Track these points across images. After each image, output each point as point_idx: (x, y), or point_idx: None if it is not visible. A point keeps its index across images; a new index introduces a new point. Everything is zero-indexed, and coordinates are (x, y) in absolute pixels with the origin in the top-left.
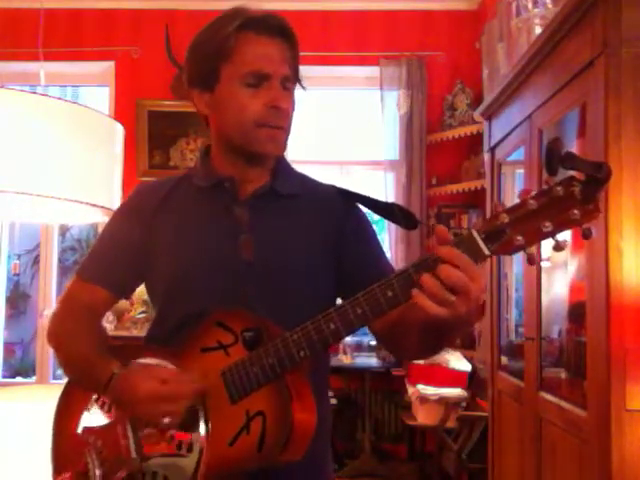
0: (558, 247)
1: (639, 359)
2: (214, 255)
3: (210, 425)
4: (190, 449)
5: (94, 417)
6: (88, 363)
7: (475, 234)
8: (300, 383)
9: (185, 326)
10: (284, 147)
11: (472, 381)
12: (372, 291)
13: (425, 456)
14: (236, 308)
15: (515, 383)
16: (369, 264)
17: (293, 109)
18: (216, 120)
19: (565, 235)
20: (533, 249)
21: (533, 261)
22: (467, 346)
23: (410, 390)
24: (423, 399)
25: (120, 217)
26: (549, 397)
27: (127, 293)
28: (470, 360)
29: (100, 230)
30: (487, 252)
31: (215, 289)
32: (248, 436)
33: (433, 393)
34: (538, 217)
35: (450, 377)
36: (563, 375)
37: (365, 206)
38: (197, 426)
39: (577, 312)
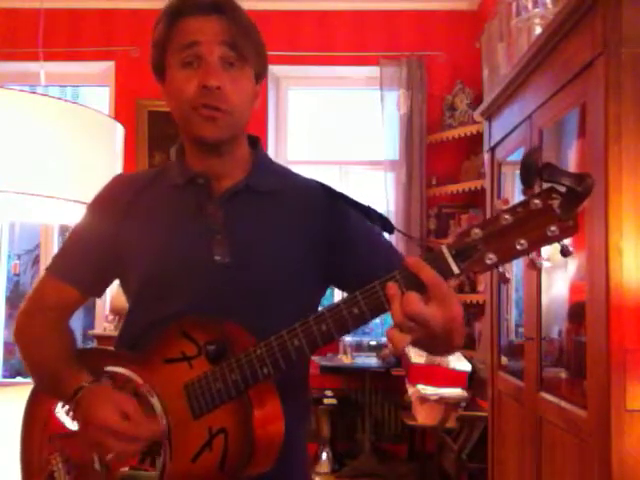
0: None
1: (639, 359)
2: (187, 255)
3: (172, 440)
4: (153, 463)
5: (61, 424)
6: (56, 369)
7: (445, 251)
8: (264, 391)
9: (153, 330)
10: (226, 130)
11: (472, 381)
12: (337, 307)
13: (425, 456)
14: (201, 317)
15: (515, 383)
16: (372, 253)
17: (240, 89)
18: (170, 109)
19: (543, 249)
20: (507, 266)
21: (506, 280)
22: (467, 346)
23: (410, 390)
24: (423, 399)
25: (92, 213)
26: (549, 397)
27: (97, 292)
28: (470, 360)
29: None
30: (457, 270)
31: (188, 291)
32: (210, 453)
33: (433, 393)
34: (512, 233)
35: (450, 377)
36: (563, 375)
37: (348, 205)
38: (160, 441)
39: (577, 312)
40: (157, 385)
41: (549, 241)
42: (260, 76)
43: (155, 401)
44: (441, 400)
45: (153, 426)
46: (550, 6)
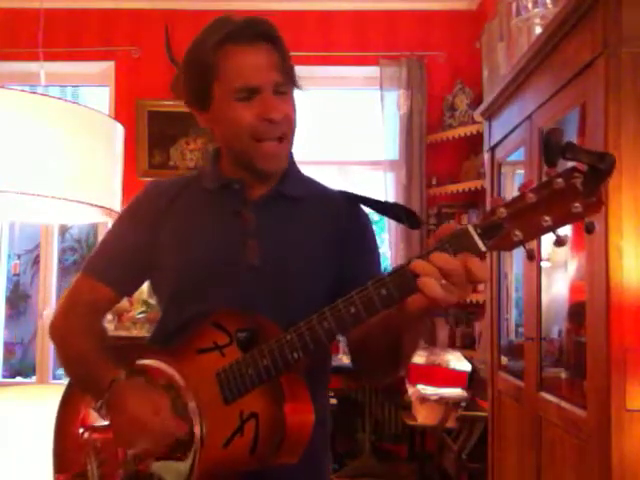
0: (559, 242)
1: (639, 359)
2: (221, 258)
3: (205, 427)
4: (185, 451)
5: (94, 418)
6: (89, 364)
7: (471, 229)
8: (296, 384)
9: (186, 327)
10: (286, 159)
11: (472, 381)
12: (366, 290)
13: (425, 456)
14: (232, 308)
15: (515, 383)
16: (362, 270)
17: (293, 112)
18: (219, 135)
19: (566, 230)
20: (532, 244)
21: (533, 256)
22: (467, 346)
23: (410, 390)
24: (423, 399)
25: (127, 217)
26: (549, 397)
27: (130, 292)
28: (470, 360)
29: (101, 229)
30: (483, 248)
31: (221, 292)
32: (242, 438)
33: (433, 393)
34: (537, 211)
35: (450, 377)
36: (563, 375)
37: (370, 208)
38: (192, 428)
39: (577, 312)
40: (189, 375)
41: (574, 217)
42: (296, 87)
43: (187, 392)
44: (441, 400)
45: (181, 425)
46: (550, 6)
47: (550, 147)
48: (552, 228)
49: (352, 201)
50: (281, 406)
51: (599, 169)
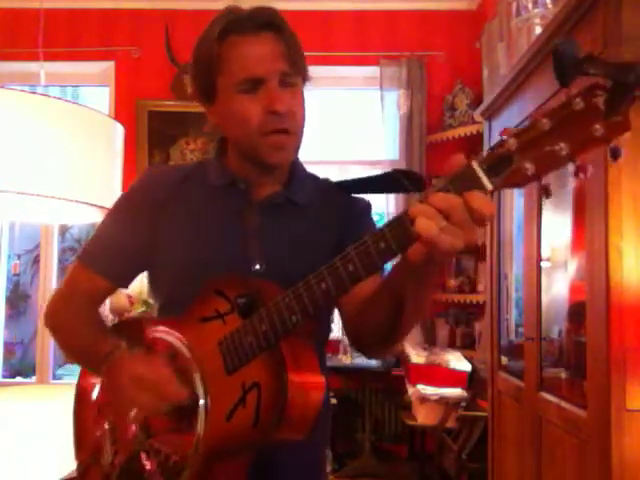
0: (578, 172)
1: (639, 359)
2: (222, 257)
3: (209, 399)
4: (191, 425)
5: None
6: (89, 341)
7: (475, 166)
8: (303, 353)
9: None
10: (294, 153)
11: (472, 381)
12: (364, 244)
13: (425, 456)
14: (233, 274)
15: (515, 383)
16: None
17: (300, 106)
18: (226, 130)
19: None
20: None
21: (549, 193)
22: (467, 346)
23: (410, 390)
24: (423, 399)
25: (124, 208)
26: (549, 397)
27: (126, 283)
28: (470, 360)
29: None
30: (489, 186)
31: None
32: (244, 410)
33: (433, 393)
34: (553, 138)
35: (450, 377)
36: (563, 375)
37: (371, 191)
38: (197, 401)
39: (577, 312)
40: (193, 345)
41: (595, 142)
42: (305, 80)
43: (191, 364)
44: (441, 400)
45: (182, 389)
46: (550, 6)
47: (564, 60)
48: (570, 157)
49: (352, 191)
50: (283, 375)
51: (626, 83)
